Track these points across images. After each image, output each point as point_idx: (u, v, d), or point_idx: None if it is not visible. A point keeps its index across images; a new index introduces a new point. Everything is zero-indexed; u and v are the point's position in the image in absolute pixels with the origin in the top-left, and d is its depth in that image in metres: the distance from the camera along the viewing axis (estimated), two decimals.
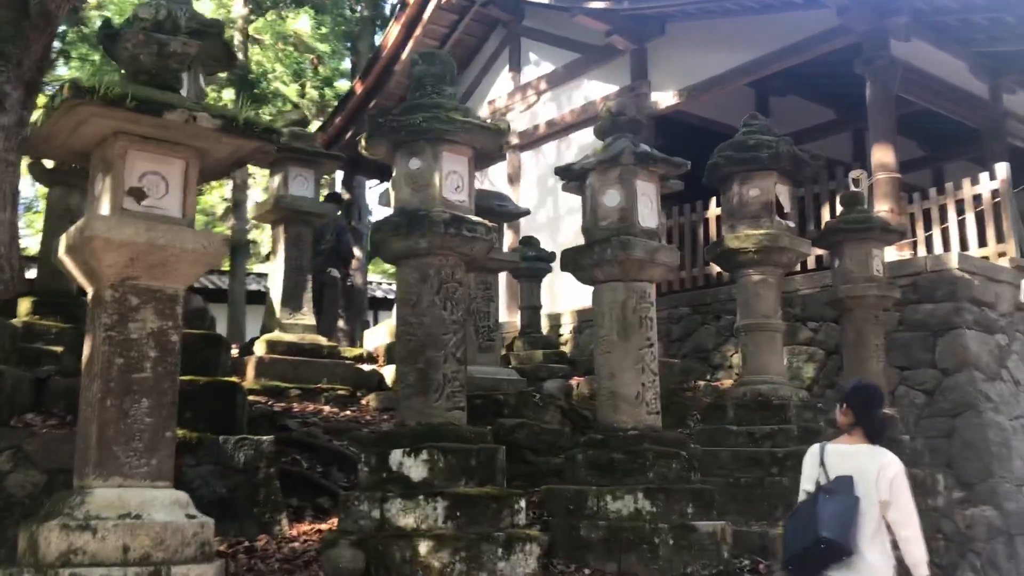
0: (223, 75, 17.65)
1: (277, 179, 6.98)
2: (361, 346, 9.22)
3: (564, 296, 11.92)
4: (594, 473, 5.02)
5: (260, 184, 20.40)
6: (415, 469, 4.25)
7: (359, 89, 14.93)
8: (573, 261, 5.41)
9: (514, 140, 13.76)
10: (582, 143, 11.96)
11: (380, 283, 21.86)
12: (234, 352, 6.83)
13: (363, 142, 4.81)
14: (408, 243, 4.56)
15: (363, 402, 6.49)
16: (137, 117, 3.62)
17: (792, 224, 6.34)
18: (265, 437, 4.92)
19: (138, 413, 3.63)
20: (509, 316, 11.33)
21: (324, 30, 20.94)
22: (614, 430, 5.13)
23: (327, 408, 6.20)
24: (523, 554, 4.19)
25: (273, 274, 7.10)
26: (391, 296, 19.42)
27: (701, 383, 8.78)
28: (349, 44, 20.44)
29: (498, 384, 6.51)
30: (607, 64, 12.59)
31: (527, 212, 7.22)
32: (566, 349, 10.04)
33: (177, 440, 4.63)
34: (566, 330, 10.96)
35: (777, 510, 5.59)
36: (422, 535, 4.03)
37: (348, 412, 6.24)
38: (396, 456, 4.29)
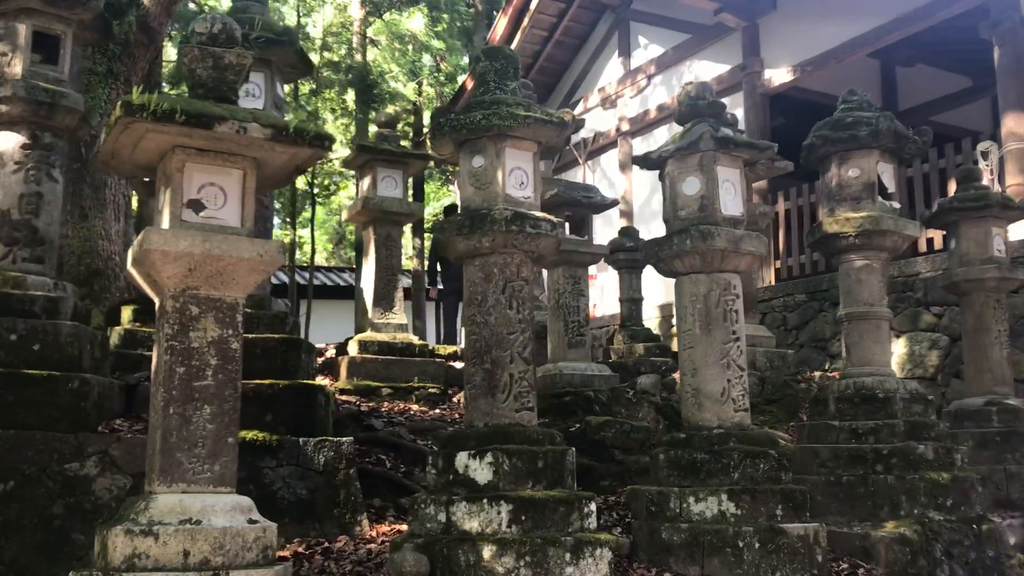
0: (342, 77, 18.13)
1: (366, 181, 7.07)
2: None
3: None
4: (677, 474, 4.84)
5: None
6: (480, 472, 4.19)
7: (469, 85, 14.99)
8: (653, 253, 5.23)
9: (625, 127, 13.57)
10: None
11: None
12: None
13: (428, 143, 4.78)
14: (471, 243, 4.50)
15: (454, 400, 6.50)
16: (190, 131, 3.68)
17: (897, 205, 5.94)
18: (345, 439, 4.97)
19: (200, 420, 3.70)
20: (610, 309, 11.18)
21: (441, 27, 21.19)
22: (698, 429, 4.93)
23: (416, 407, 6.23)
24: (592, 559, 4.08)
25: (364, 275, 7.20)
26: None
27: (817, 374, 8.39)
28: (466, 40, 20.61)
29: (589, 380, 6.39)
30: (717, 43, 12.23)
31: (615, 203, 7.05)
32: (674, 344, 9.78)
33: (256, 443, 4.78)
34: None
35: (881, 510, 5.27)
36: (486, 539, 3.97)
37: (437, 410, 6.26)
38: (462, 458, 4.24)
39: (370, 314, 6.92)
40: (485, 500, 4.06)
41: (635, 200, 13.24)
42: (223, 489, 3.72)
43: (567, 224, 6.76)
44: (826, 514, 5.39)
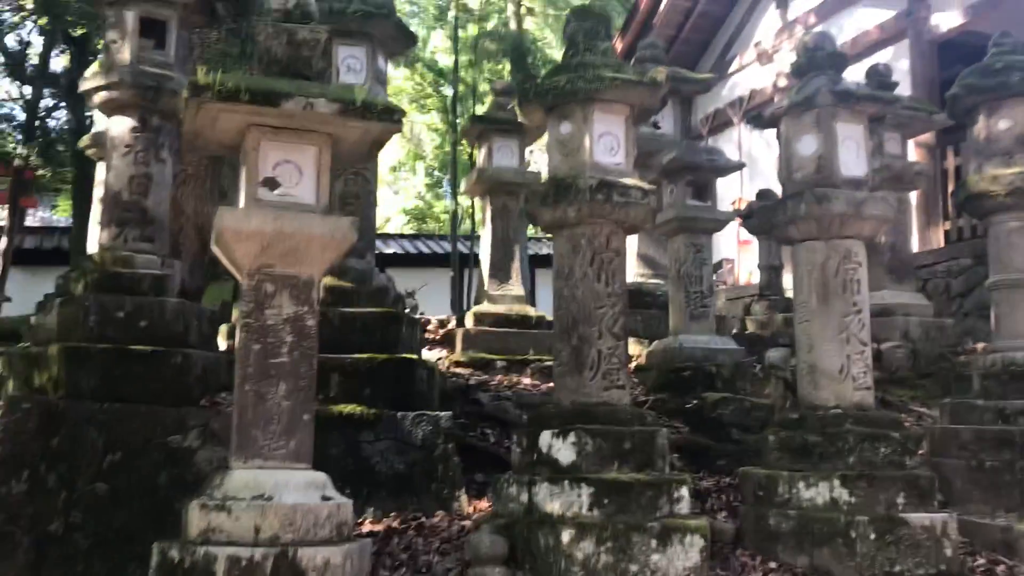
0: (496, 47, 18.12)
1: (483, 151, 6.98)
2: None
3: None
4: (787, 456, 4.50)
5: None
6: (563, 452, 4.04)
7: (619, 47, 14.61)
8: (767, 219, 4.87)
9: (782, 82, 12.81)
10: (857, 79, 10.88)
11: None
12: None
13: (516, 110, 4.62)
14: (556, 213, 4.32)
15: None
16: (259, 109, 3.69)
17: None
18: (444, 413, 4.92)
19: (275, 397, 3.73)
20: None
21: None
22: (813, 408, 4.57)
23: (528, 380, 6.13)
24: (682, 546, 3.85)
25: (482, 246, 7.12)
26: None
27: (980, 346, 7.65)
28: (627, 4, 20.13)
29: (711, 354, 6.06)
30: None
31: (741, 165, 6.63)
32: None
33: (354, 417, 4.82)
34: None
35: None
36: (566, 522, 3.82)
37: (550, 384, 6.11)
38: (546, 438, 4.10)
39: (486, 285, 6.85)
40: (566, 481, 3.90)
41: None
42: (298, 465, 3.74)
43: (690, 188, 6.44)
44: (966, 502, 4.91)
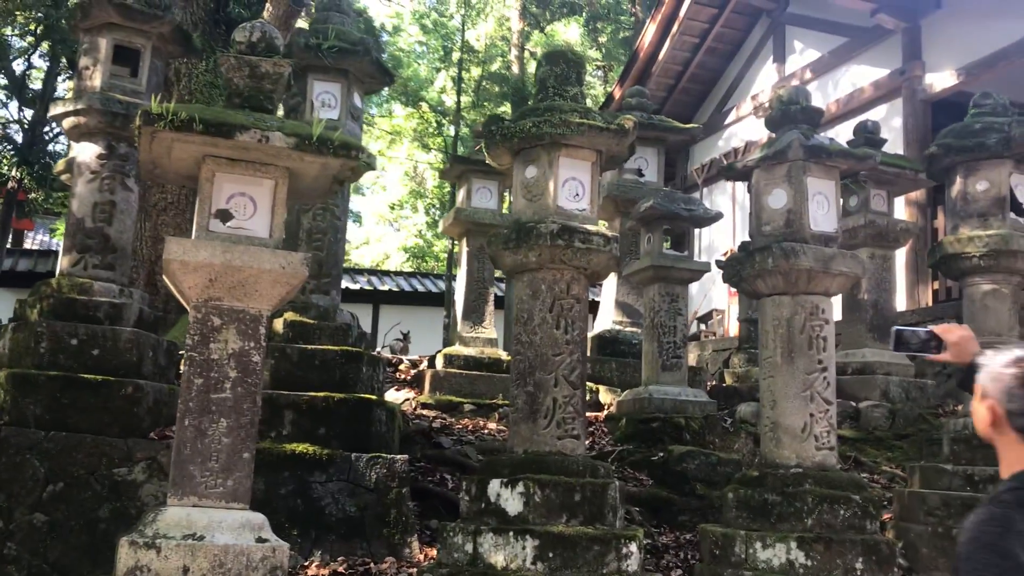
0: (498, 89, 18.22)
1: (461, 192, 6.94)
2: None
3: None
4: (745, 515, 4.39)
5: None
6: (511, 502, 3.93)
7: (617, 94, 14.68)
8: (735, 271, 4.80)
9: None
10: (848, 136, 10.89)
11: None
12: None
13: (485, 152, 4.58)
14: (518, 257, 4.25)
15: None
16: (214, 140, 3.66)
17: None
18: (399, 456, 4.82)
19: (215, 433, 3.65)
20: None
21: (605, 38, 20.99)
22: (774, 467, 4.46)
23: (495, 425, 6.02)
24: None
25: (457, 287, 7.06)
26: None
27: (961, 407, 7.55)
28: (627, 50, 20.31)
29: (681, 406, 5.96)
30: (876, 47, 11.39)
31: (719, 216, 6.59)
32: None
33: (306, 456, 4.71)
34: None
35: None
36: (509, 575, 3.71)
37: None
38: (494, 486, 3.99)
39: (459, 327, 6.77)
40: (511, 533, 3.79)
41: None
42: (235, 505, 3.64)
43: (668, 239, 6.39)
44: (931, 570, 4.78)
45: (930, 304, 9.87)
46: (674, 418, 5.82)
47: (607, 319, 7.49)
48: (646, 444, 5.67)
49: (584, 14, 19.80)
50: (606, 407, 6.59)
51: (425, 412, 6.11)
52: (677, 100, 14.61)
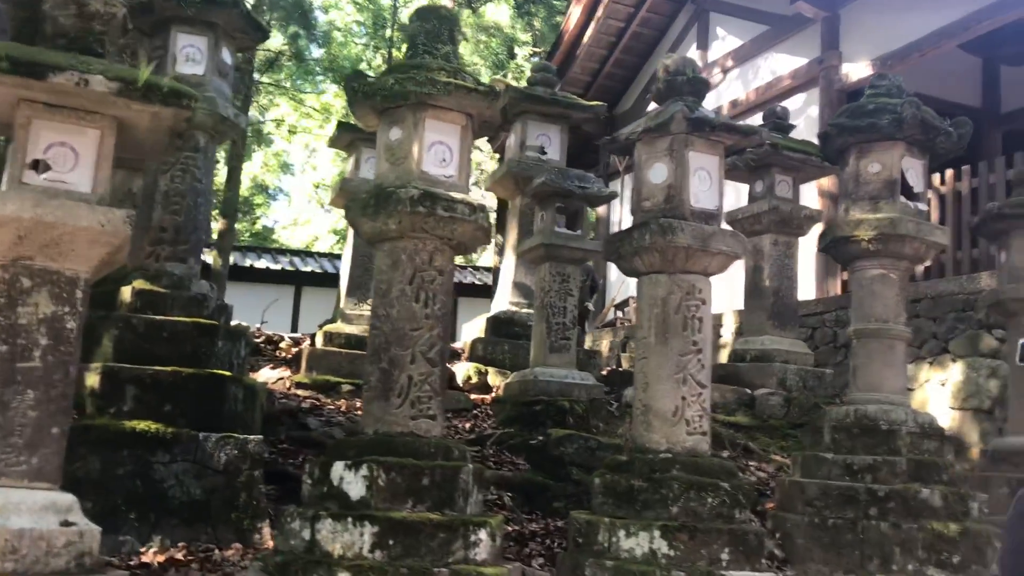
0: None
1: (351, 162, 6.62)
2: None
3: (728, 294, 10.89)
4: (611, 502, 4.17)
5: None
6: (354, 486, 3.66)
7: None
8: (613, 249, 4.58)
9: None
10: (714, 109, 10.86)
11: None
12: None
13: (351, 112, 4.28)
14: (376, 224, 3.97)
15: None
16: (26, 82, 3.30)
17: (923, 207, 5.10)
18: (253, 436, 4.51)
19: (20, 406, 3.30)
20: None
21: (538, 23, 20.72)
22: (643, 451, 4.26)
23: None
24: None
25: (343, 262, 6.75)
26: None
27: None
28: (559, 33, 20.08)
29: (567, 389, 5.74)
30: (796, 35, 11.32)
31: (613, 195, 6.39)
32: (724, 355, 8.97)
33: (148, 434, 4.37)
34: (726, 332, 9.88)
35: (870, 562, 4.48)
36: (344, 564, 3.43)
37: None
38: (338, 469, 3.71)
39: (343, 303, 6.46)
40: (350, 519, 3.52)
41: None
42: (40, 484, 3.30)
43: (562, 216, 6.15)
44: (807, 561, 4.64)
45: (839, 293, 9.82)
46: (558, 401, 5.60)
47: (503, 300, 7.25)
48: (528, 428, 5.44)
49: None
50: (495, 390, 6.35)
51: (299, 392, 5.80)
52: (602, 85, 14.41)
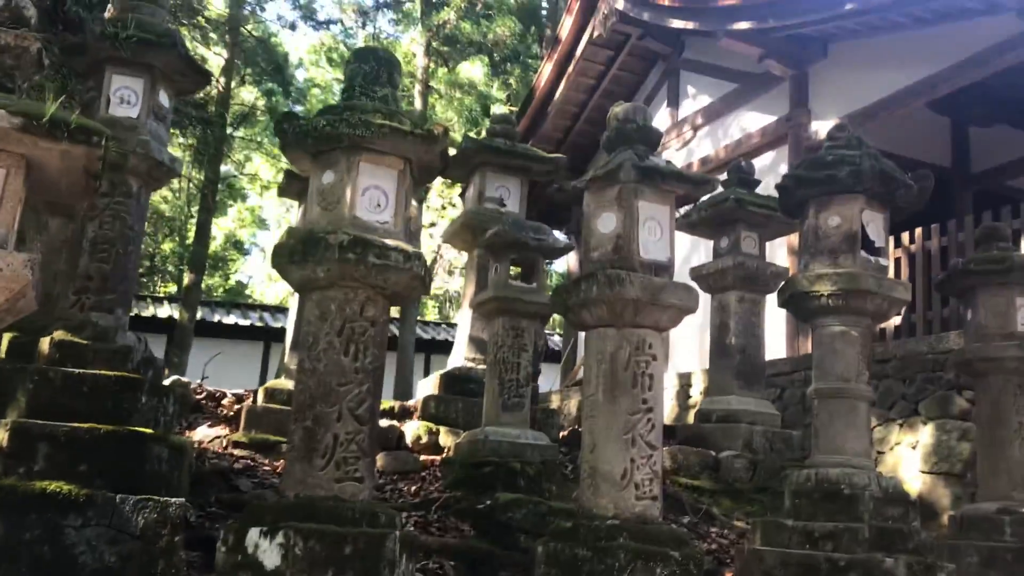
0: None
1: (300, 211, 6.42)
2: None
3: (698, 353, 10.70)
4: (555, 572, 3.90)
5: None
6: (269, 554, 3.38)
7: (520, 129, 14.36)
8: (561, 301, 4.37)
9: None
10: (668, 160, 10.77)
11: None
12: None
13: (283, 154, 4.08)
14: (304, 272, 3.75)
15: None
16: None
17: (885, 262, 4.93)
18: (174, 500, 4.19)
19: None
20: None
21: (513, 79, 20.82)
22: (589, 518, 4.00)
23: None
24: None
25: (289, 315, 6.51)
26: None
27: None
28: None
29: (519, 450, 5.47)
30: (765, 94, 11.29)
31: (570, 248, 6.20)
32: (691, 416, 8.72)
33: (59, 496, 4.06)
34: (695, 391, 9.65)
35: None
36: None
37: None
38: (253, 536, 3.43)
39: (286, 358, 6.21)
40: None
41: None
42: None
43: (517, 268, 5.96)
44: None
45: (810, 352, 9.62)
46: (509, 463, 5.33)
47: (459, 356, 7.00)
48: (476, 491, 5.16)
49: (492, 56, 19.58)
50: (445, 450, 6.08)
51: (236, 452, 5.51)
52: (574, 143, 14.35)
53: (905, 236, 9.07)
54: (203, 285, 20.72)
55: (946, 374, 6.97)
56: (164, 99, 4.91)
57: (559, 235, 6.60)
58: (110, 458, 4.19)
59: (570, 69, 13.54)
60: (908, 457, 7.10)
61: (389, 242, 3.76)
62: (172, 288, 22.73)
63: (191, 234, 20.02)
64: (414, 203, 17.86)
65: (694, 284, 6.55)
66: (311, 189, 3.96)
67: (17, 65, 3.46)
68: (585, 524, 3.96)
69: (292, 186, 6.65)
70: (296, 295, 6.25)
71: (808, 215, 5.04)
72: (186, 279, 16.92)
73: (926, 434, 6.99)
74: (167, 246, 24.20)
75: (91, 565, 4.01)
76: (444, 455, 5.98)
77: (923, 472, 6.91)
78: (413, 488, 5.42)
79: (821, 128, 10.35)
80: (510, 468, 5.30)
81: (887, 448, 7.29)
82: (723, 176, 9.49)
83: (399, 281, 3.79)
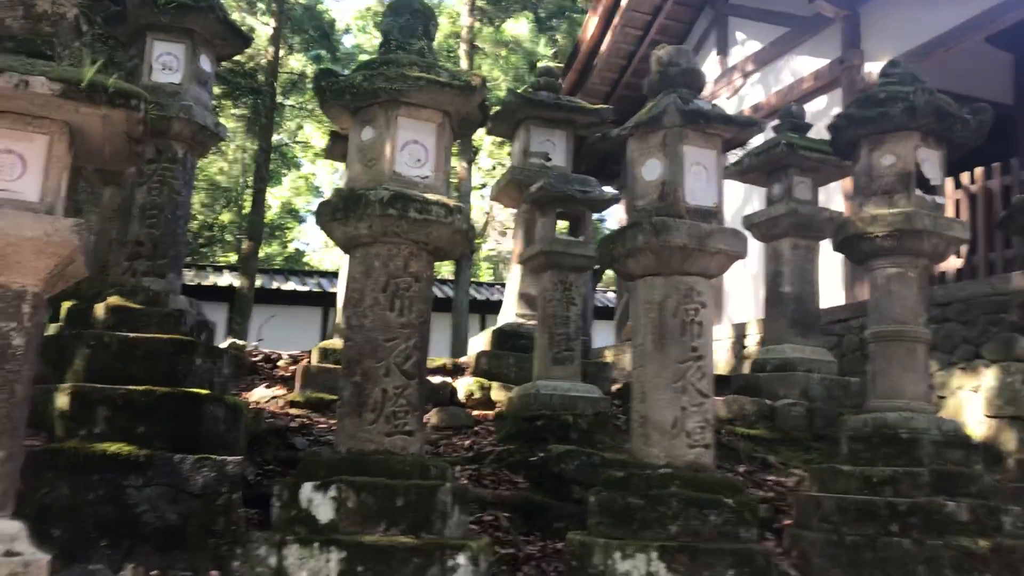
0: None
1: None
2: None
3: (753, 303, 10.58)
4: (608, 521, 3.89)
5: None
6: (323, 508, 3.43)
7: (565, 86, 14.20)
8: (607, 252, 4.32)
9: None
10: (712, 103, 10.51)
11: None
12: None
13: (323, 113, 4.08)
14: (347, 229, 3.76)
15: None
16: None
17: (941, 200, 4.78)
18: (232, 458, 4.28)
19: None
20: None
21: (560, 37, 20.57)
22: (640, 467, 3.98)
23: None
24: None
25: (339, 276, 6.54)
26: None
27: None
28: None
29: (571, 402, 5.46)
30: (816, 36, 10.98)
31: (615, 200, 6.10)
32: (747, 366, 8.61)
33: (120, 457, 4.16)
34: (751, 342, 9.53)
35: None
36: None
37: None
38: (307, 491, 3.49)
39: (339, 318, 6.25)
40: (317, 544, 3.29)
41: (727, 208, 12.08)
42: None
43: (565, 222, 5.91)
44: None
45: (867, 298, 9.42)
46: (561, 415, 5.32)
47: (510, 312, 7.00)
48: (528, 444, 5.17)
49: (537, 12, 19.35)
50: (497, 405, 6.10)
51: (293, 411, 5.59)
52: (622, 96, 14.12)
53: (965, 176, 8.79)
54: (262, 253, 21.03)
55: (1009, 315, 6.77)
56: (206, 64, 4.93)
57: (608, 189, 6.52)
58: (167, 419, 4.28)
59: (616, 20, 13.30)
60: (971, 401, 6.93)
61: (430, 196, 3.75)
62: (232, 257, 23.02)
63: (247, 204, 20.23)
64: (463, 164, 17.86)
65: (747, 232, 6.44)
66: (351, 146, 3.96)
67: (55, 32, 3.49)
68: (637, 473, 3.94)
69: (337, 147, 6.66)
70: (345, 256, 6.29)
71: (861, 155, 4.90)
72: (244, 248, 17.14)
73: (989, 377, 6.80)
74: (225, 216, 24.50)
75: (153, 523, 4.11)
76: (496, 410, 6.00)
77: (987, 416, 6.73)
78: (466, 442, 5.46)
79: (875, 69, 10.03)
80: (562, 421, 5.30)
81: (949, 392, 7.12)
82: (775, 123, 9.30)
83: (441, 235, 3.78)
